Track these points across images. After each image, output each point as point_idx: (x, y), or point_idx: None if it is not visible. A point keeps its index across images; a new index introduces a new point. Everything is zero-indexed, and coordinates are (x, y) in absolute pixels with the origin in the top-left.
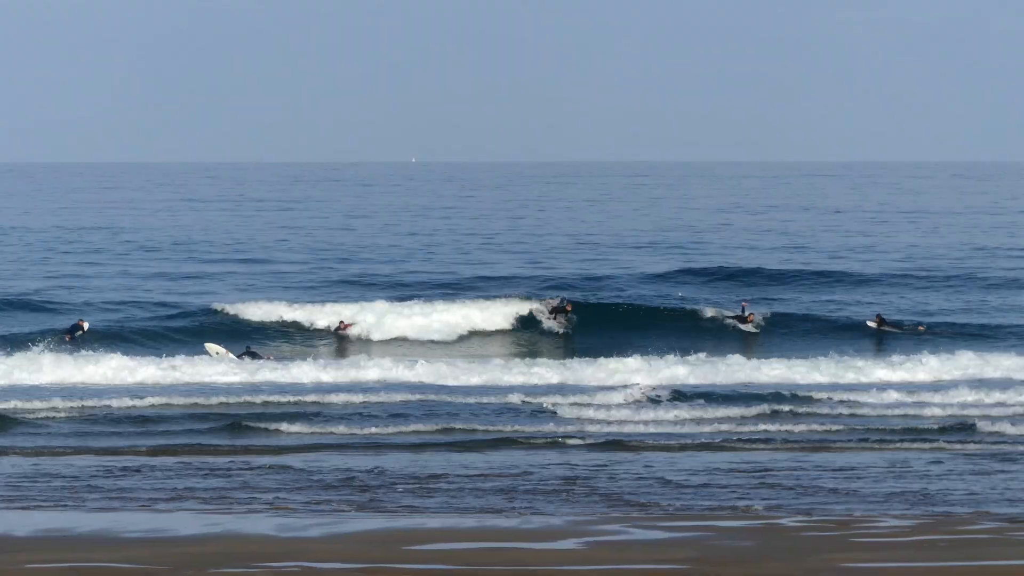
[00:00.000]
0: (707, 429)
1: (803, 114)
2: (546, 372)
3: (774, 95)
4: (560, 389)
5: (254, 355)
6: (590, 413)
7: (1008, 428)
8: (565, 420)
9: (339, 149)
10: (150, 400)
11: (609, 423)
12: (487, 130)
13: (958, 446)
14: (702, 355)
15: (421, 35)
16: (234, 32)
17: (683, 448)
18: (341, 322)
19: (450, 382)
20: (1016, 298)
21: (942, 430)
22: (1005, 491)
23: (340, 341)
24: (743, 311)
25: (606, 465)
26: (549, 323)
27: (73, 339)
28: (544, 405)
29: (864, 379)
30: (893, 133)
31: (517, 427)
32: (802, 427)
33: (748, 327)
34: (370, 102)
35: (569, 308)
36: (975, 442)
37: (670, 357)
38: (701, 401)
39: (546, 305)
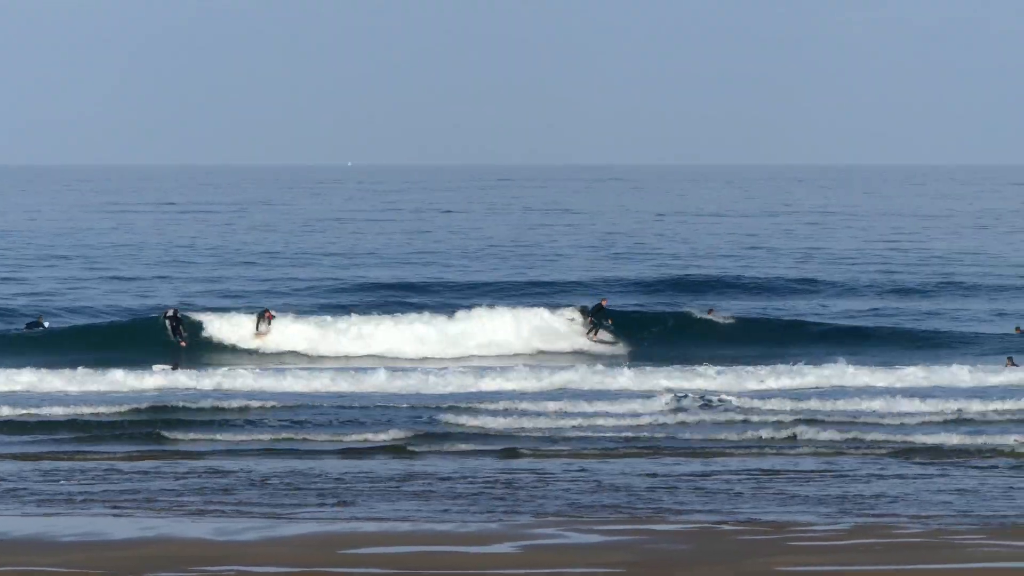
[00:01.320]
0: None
1: (803, 116)
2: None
3: (774, 97)
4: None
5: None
6: None
7: None
8: None
9: (288, 152)
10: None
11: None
12: (432, 133)
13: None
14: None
15: (365, 41)
16: (189, 37)
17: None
18: (266, 310)
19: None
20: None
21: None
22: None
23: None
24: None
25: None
26: (582, 336)
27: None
28: None
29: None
30: (894, 135)
31: None
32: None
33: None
34: (315, 106)
35: (604, 304)
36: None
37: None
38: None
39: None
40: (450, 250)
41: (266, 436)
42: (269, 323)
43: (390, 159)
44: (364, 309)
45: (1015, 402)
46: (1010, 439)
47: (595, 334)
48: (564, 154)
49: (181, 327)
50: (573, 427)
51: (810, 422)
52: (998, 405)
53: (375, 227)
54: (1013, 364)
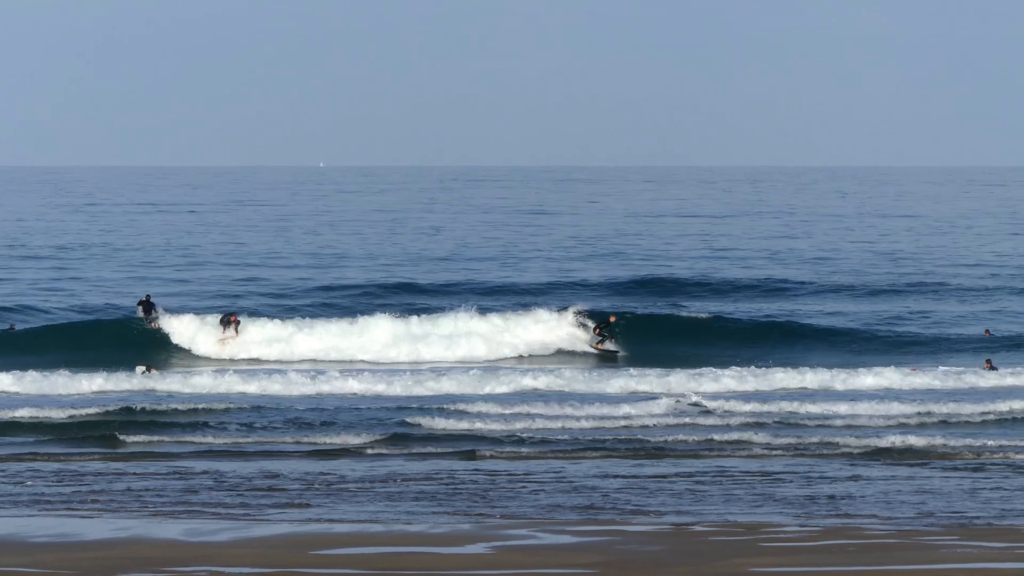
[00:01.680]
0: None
1: (795, 118)
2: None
3: (765, 99)
4: None
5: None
6: None
7: None
8: None
9: (256, 153)
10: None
11: None
12: (403, 134)
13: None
14: None
15: (331, 40)
16: (147, 37)
17: None
18: (231, 315)
19: None
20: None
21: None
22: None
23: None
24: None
25: None
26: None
27: None
28: None
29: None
30: (891, 137)
31: None
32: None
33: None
34: (284, 106)
35: (612, 320)
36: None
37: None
38: None
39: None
40: (423, 252)
41: (230, 439)
42: (236, 328)
43: (363, 160)
44: (351, 310)
45: (990, 404)
46: (986, 441)
47: (600, 345)
48: (487, 157)
49: (154, 310)
50: (537, 429)
51: (781, 424)
52: (971, 408)
53: (353, 227)
54: (992, 367)
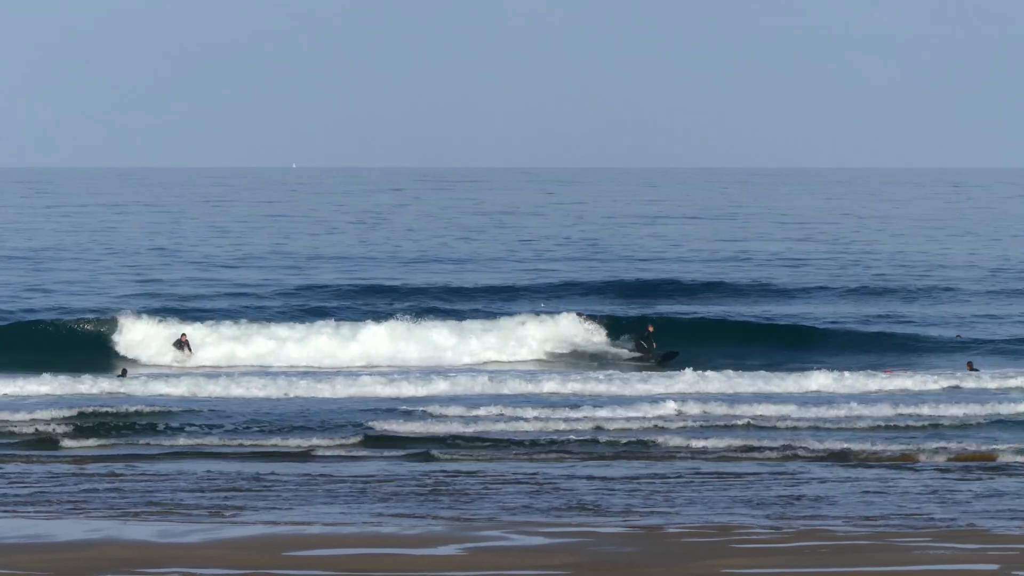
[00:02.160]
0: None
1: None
2: None
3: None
4: None
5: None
6: None
7: None
8: None
9: (229, 154)
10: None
11: None
12: (377, 134)
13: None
14: None
15: (301, 39)
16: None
17: None
18: (182, 335)
19: None
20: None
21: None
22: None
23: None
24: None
25: None
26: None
27: None
28: None
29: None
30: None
31: None
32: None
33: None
34: (258, 107)
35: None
36: None
37: None
38: None
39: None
40: (387, 253)
41: (197, 440)
42: (188, 347)
43: (335, 161)
44: (359, 314)
45: (962, 407)
46: (953, 444)
47: (649, 357)
48: (461, 159)
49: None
50: (504, 431)
51: (750, 427)
52: (944, 410)
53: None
54: (973, 368)
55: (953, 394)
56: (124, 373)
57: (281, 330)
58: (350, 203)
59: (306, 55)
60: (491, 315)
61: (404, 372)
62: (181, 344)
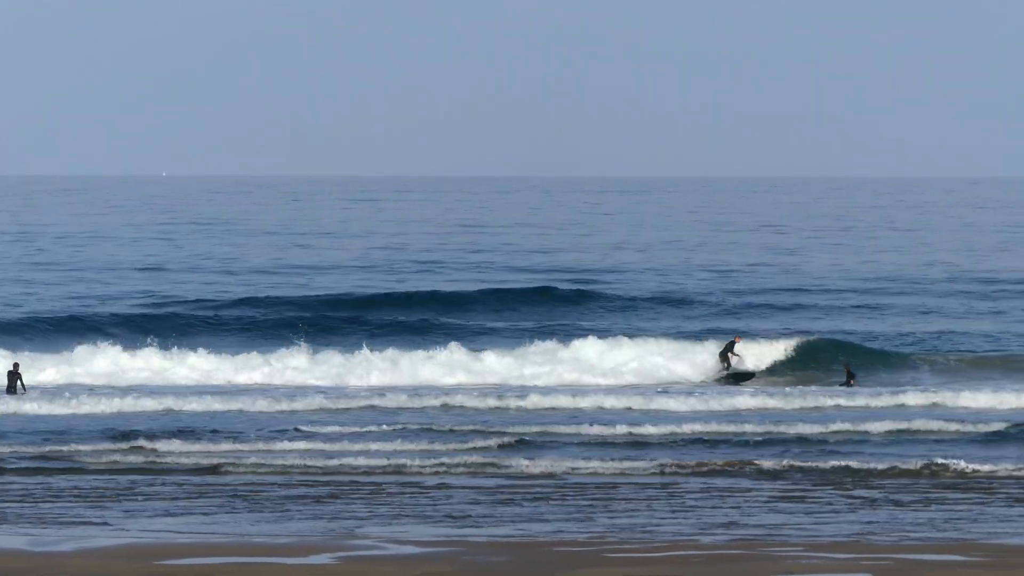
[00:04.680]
0: None
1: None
2: None
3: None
4: None
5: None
6: None
7: None
8: None
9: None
10: None
11: None
12: (248, 141)
13: None
14: None
15: (174, 46)
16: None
17: None
18: (15, 364)
19: None
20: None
21: None
22: None
23: None
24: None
25: None
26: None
27: None
28: None
29: None
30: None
31: None
32: None
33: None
34: (128, 114)
35: (738, 340)
36: None
37: None
38: None
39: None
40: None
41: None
42: (20, 383)
43: (205, 169)
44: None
45: (840, 424)
46: (829, 464)
47: (727, 368)
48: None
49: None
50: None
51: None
52: (819, 427)
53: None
54: (850, 372)
55: None
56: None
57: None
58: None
59: (189, 60)
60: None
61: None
62: (14, 376)
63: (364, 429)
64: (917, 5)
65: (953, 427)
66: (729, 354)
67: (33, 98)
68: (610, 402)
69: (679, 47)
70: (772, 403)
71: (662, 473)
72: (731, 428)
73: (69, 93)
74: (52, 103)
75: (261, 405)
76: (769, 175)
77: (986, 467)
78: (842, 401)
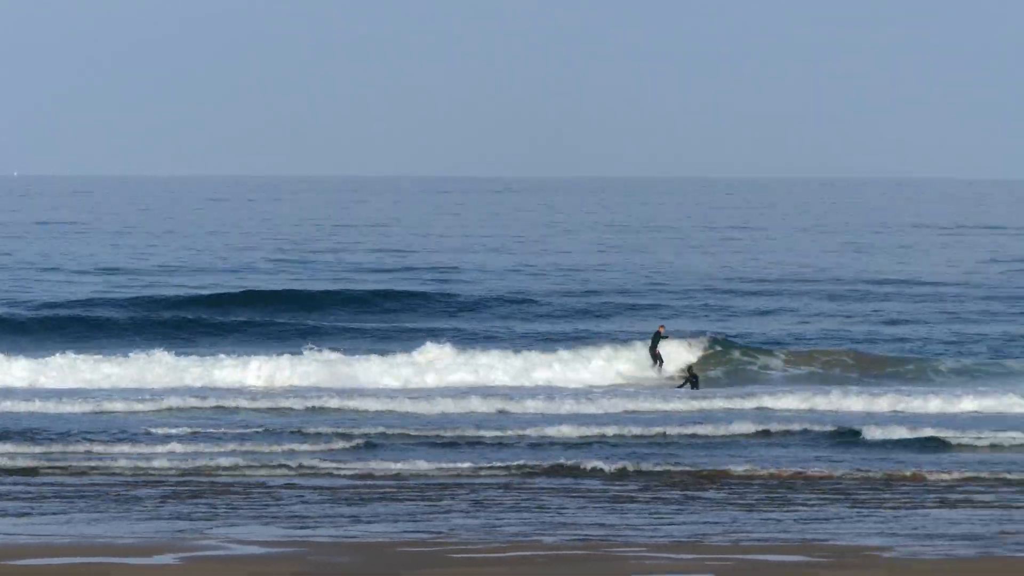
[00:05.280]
0: None
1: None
2: None
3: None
4: None
5: None
6: None
7: None
8: None
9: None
10: None
11: None
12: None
13: None
14: None
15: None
16: None
17: None
18: None
19: None
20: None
21: None
22: None
23: None
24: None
25: None
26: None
27: None
28: None
29: None
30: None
31: None
32: None
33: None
34: (128, 114)
35: (662, 329)
36: None
37: None
38: None
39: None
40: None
41: None
42: None
43: (205, 169)
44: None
45: (688, 427)
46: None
47: (659, 365)
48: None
49: None
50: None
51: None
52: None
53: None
54: (692, 375)
55: None
56: None
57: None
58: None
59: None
60: None
61: None
62: None
63: (207, 431)
64: (917, 5)
65: (797, 427)
66: (658, 348)
67: (32, 99)
68: (466, 405)
69: (679, 47)
70: (623, 405)
71: (508, 474)
72: (581, 431)
73: (68, 93)
74: (51, 103)
75: (112, 406)
76: (770, 176)
77: (828, 469)
78: (683, 404)
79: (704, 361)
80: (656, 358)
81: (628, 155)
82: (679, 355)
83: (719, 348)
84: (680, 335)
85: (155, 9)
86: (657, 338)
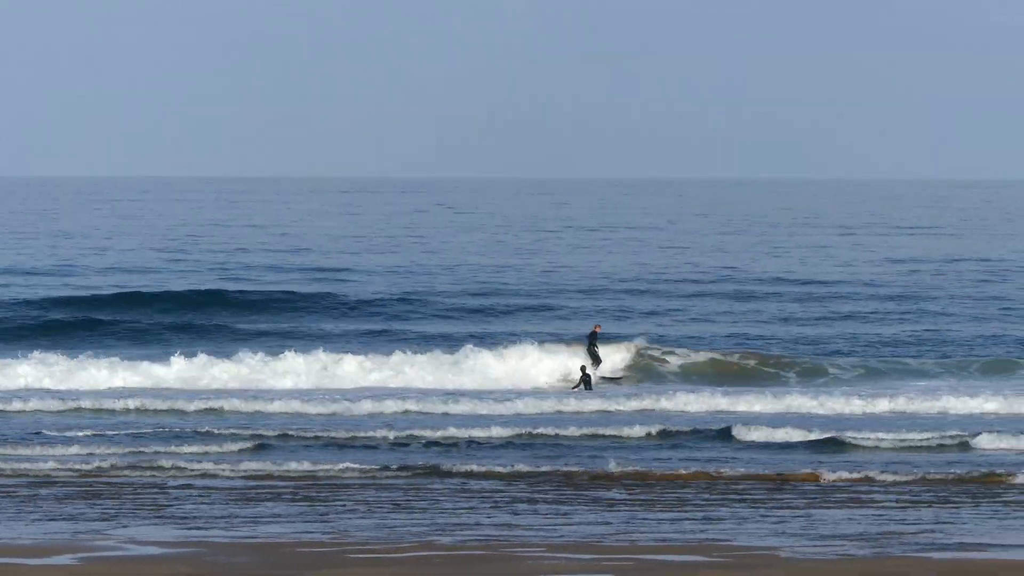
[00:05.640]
0: None
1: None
2: None
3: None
4: None
5: None
6: None
7: None
8: None
9: None
10: None
11: None
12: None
13: None
14: None
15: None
16: None
17: None
18: None
19: None
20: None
21: None
22: None
23: None
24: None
25: None
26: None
27: None
28: None
29: None
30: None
31: None
32: None
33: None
34: (128, 114)
35: (598, 328)
36: None
37: None
38: None
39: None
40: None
41: None
42: None
43: (206, 170)
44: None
45: (583, 428)
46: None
47: (597, 365)
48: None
49: None
50: None
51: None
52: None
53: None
54: (585, 376)
55: None
56: None
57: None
58: None
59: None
60: None
61: None
62: None
63: (104, 432)
64: (917, 6)
65: (690, 428)
66: (593, 346)
67: (31, 98)
68: (363, 407)
69: (680, 48)
70: (521, 407)
71: (406, 474)
72: (479, 432)
73: (68, 93)
74: (51, 103)
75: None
76: (769, 177)
77: (724, 469)
78: (579, 405)
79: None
80: (594, 357)
81: (627, 155)
82: (579, 357)
83: (622, 349)
84: (573, 337)
85: (155, 9)
86: (594, 338)
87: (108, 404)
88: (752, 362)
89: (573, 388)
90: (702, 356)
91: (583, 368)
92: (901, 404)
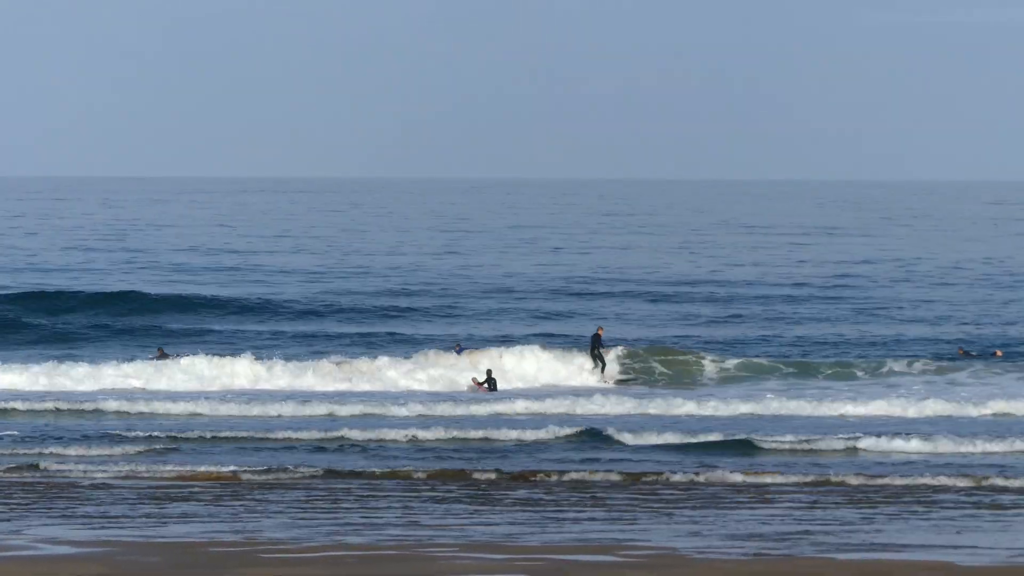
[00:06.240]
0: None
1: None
2: None
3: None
4: None
5: None
6: None
7: None
8: None
9: None
10: None
11: None
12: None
13: None
14: None
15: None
16: None
17: None
18: None
19: None
20: None
21: None
22: None
23: None
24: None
25: None
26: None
27: None
28: None
29: None
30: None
31: None
32: None
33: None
34: (127, 114)
35: (601, 331)
36: None
37: None
38: None
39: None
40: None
41: None
42: None
43: (205, 170)
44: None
45: (500, 431)
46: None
47: (601, 368)
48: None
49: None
50: None
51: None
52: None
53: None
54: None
55: None
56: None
57: None
58: None
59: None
60: None
61: None
62: None
63: (8, 432)
64: (920, 4)
65: (608, 429)
66: (600, 349)
67: (30, 98)
68: (278, 408)
69: (682, 48)
70: (434, 408)
71: (320, 475)
72: (393, 434)
73: (68, 93)
74: (51, 103)
75: None
76: (774, 178)
77: (640, 470)
78: (489, 407)
79: (520, 363)
80: (597, 360)
81: (629, 156)
82: (489, 359)
83: (530, 351)
84: (483, 340)
85: (154, 9)
86: (597, 340)
87: (14, 404)
88: (665, 367)
89: (480, 388)
90: (613, 355)
91: (489, 371)
92: (813, 406)
